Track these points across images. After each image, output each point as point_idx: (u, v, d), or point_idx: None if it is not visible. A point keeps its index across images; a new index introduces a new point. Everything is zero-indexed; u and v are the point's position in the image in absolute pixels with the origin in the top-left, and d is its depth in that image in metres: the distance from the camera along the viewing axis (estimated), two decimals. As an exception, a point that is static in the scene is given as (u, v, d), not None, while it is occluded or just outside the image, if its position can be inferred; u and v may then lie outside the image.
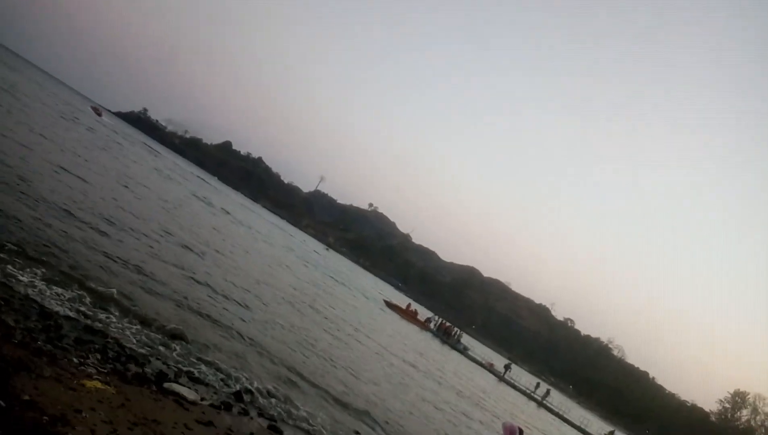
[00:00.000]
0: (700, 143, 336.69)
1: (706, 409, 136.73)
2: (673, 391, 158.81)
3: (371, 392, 14.63)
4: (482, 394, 31.21)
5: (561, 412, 51.85)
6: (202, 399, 8.11)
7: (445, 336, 58.69)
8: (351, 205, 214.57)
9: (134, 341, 8.91)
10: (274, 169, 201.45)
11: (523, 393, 52.64)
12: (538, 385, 57.28)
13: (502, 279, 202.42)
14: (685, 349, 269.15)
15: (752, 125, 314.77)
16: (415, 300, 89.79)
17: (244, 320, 14.17)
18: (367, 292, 59.25)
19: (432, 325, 60.13)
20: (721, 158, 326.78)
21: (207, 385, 8.91)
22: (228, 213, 49.17)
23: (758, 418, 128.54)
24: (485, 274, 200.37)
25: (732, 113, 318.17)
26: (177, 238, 20.14)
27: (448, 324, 63.49)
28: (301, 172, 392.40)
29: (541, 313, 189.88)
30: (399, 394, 16.64)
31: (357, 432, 10.83)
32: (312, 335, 17.49)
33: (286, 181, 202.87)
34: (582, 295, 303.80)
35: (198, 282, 15.25)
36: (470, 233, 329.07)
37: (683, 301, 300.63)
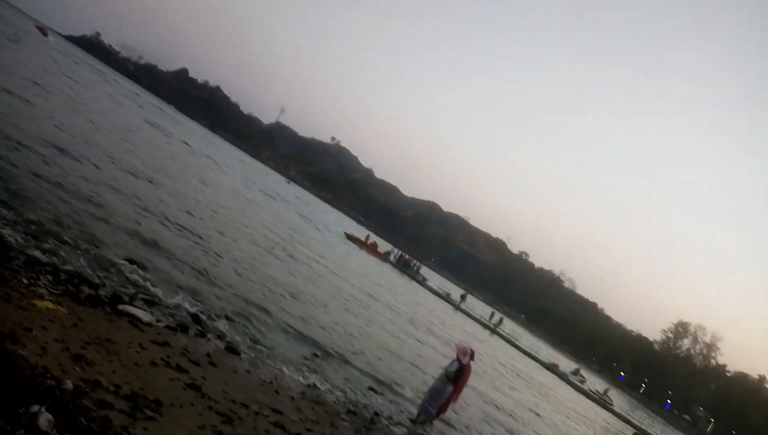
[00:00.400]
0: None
1: (651, 338, 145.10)
2: (619, 322, 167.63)
3: (329, 321, 14.96)
4: (438, 321, 32.27)
5: (513, 339, 54.23)
6: (158, 321, 8.17)
7: (404, 267, 59.83)
8: (313, 139, 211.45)
9: (86, 265, 8.81)
10: (233, 99, 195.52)
11: (478, 321, 54.63)
12: (492, 314, 59.63)
13: (462, 214, 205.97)
14: (634, 282, 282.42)
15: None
16: (377, 234, 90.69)
17: (203, 251, 14.13)
18: (328, 225, 59.52)
19: (392, 258, 61.10)
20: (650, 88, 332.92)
21: (163, 308, 8.94)
22: (186, 143, 47.94)
23: (698, 346, 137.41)
24: (445, 209, 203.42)
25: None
26: (130, 167, 19.63)
27: (407, 256, 64.60)
28: (261, 103, 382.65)
29: (497, 246, 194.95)
30: (354, 322, 17.07)
31: (316, 354, 11.13)
32: (270, 267, 17.60)
33: (245, 112, 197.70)
34: (538, 230, 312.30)
35: (152, 213, 15.00)
36: (432, 169, 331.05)
37: (635, 235, 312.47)
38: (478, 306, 68.13)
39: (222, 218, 20.93)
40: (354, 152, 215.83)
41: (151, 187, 18.61)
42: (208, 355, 7.75)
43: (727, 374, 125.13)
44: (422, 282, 58.84)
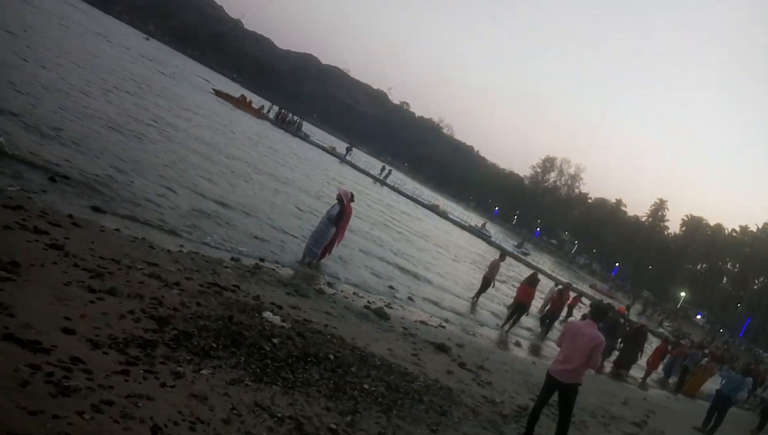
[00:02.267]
0: None
1: (521, 174, 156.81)
2: (494, 162, 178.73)
3: (205, 179, 14.46)
4: (328, 172, 32.50)
5: (397, 187, 56.33)
6: (10, 186, 7.38)
7: (284, 124, 58.47)
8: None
9: None
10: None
11: (366, 173, 55.70)
12: (383, 168, 60.66)
13: (341, 66, 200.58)
14: (507, 120, 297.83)
15: None
16: (252, 93, 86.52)
17: (61, 114, 12.70)
18: (197, 83, 55.67)
19: (270, 114, 59.22)
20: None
21: (14, 172, 8.07)
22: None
23: (563, 178, 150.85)
24: (323, 62, 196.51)
25: None
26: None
27: (285, 112, 62.88)
28: None
29: (378, 98, 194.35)
30: (235, 182, 16.69)
31: (194, 210, 10.80)
32: (127, 129, 16.35)
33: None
34: (418, 80, 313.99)
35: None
36: (308, 18, 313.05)
37: (507, 79, 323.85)
38: (362, 157, 69.00)
39: (70, 78, 18.78)
40: (219, 2, 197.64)
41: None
42: (70, 216, 7.22)
43: (589, 201, 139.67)
44: (305, 138, 58.16)
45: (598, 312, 6.65)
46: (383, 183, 55.38)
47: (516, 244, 63.86)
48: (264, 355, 5.27)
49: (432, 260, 21.52)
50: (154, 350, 4.44)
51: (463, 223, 57.67)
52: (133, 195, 9.88)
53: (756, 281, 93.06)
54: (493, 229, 66.04)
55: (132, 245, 7.21)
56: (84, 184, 9.15)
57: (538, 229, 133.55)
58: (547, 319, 17.01)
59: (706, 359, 20.99)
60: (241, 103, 52.99)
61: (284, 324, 6.42)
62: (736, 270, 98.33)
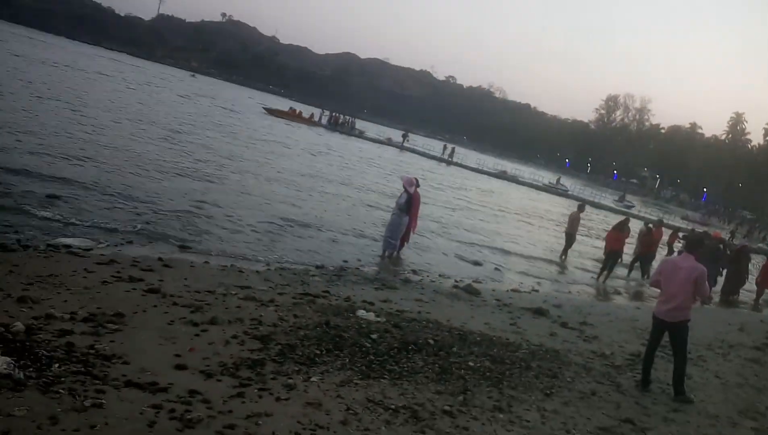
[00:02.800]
0: None
1: (586, 120, 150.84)
2: (553, 114, 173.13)
3: (271, 198, 14.87)
4: (390, 164, 32.64)
5: (462, 162, 55.66)
6: (99, 243, 7.92)
7: (339, 127, 59.11)
8: (203, 21, 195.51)
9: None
10: (105, 5, 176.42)
11: (428, 156, 55.24)
12: (444, 147, 59.95)
13: (380, 56, 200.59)
14: (558, 69, 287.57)
15: None
16: (302, 102, 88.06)
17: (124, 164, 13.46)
18: (246, 106, 57.21)
19: (323, 120, 60.01)
20: None
21: (100, 231, 8.63)
22: (69, 66, 43.78)
23: (630, 114, 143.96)
24: (363, 57, 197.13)
25: None
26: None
27: (337, 114, 63.51)
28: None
29: (423, 78, 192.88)
30: (299, 196, 17.05)
31: (270, 232, 11.15)
32: (198, 162, 17.05)
33: (122, 15, 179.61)
34: (459, 51, 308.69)
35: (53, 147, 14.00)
36: (341, 18, 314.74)
37: (551, 29, 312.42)
38: (420, 141, 68.66)
39: (137, 133, 19.81)
40: (251, 23, 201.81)
41: (64, 116, 17.21)
42: (160, 259, 7.64)
43: (662, 131, 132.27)
44: (360, 135, 58.54)
45: (692, 242, 6.37)
46: (450, 162, 54.77)
47: (617, 198, 60.31)
48: (366, 352, 5.40)
49: (512, 230, 21.19)
50: (263, 368, 4.65)
51: (536, 183, 56.28)
52: (213, 228, 10.32)
53: None
54: (568, 183, 64.09)
55: (223, 274, 7.54)
56: (168, 227, 9.64)
57: (614, 172, 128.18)
58: (639, 261, 16.21)
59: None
60: (292, 116, 54.02)
61: (379, 319, 6.54)
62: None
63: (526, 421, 4.75)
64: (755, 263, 19.94)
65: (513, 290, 10.75)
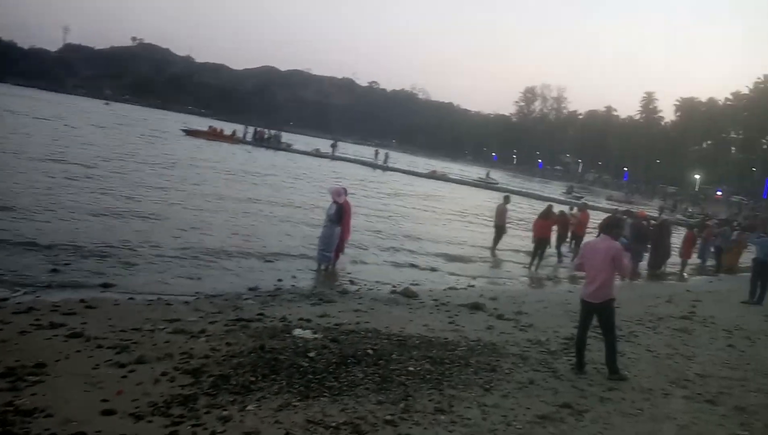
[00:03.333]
0: None
1: (507, 114, 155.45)
2: (476, 110, 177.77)
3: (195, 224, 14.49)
4: (322, 175, 32.43)
5: (393, 166, 56.06)
6: (15, 291, 7.45)
7: (264, 142, 58.29)
8: (113, 47, 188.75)
9: None
10: (5, 38, 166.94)
11: (362, 163, 55.02)
12: (377, 153, 60.04)
13: (302, 67, 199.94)
14: (477, 66, 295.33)
15: None
16: (227, 120, 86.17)
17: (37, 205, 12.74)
18: (165, 129, 55.53)
19: (248, 136, 58.99)
20: None
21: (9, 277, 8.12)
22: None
23: (548, 104, 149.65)
24: (283, 69, 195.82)
25: None
26: None
27: (261, 129, 62.56)
28: (39, 30, 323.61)
29: (347, 86, 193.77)
30: (229, 218, 16.70)
31: (195, 257, 10.85)
32: (106, 193, 16.38)
33: (26, 48, 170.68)
34: (379, 56, 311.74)
35: None
36: (256, 32, 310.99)
37: (466, 27, 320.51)
38: (350, 149, 68.69)
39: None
40: (163, 45, 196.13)
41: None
42: (82, 300, 7.26)
43: (580, 117, 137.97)
44: (288, 148, 57.89)
45: (609, 225, 6.63)
46: (386, 168, 54.77)
47: (565, 190, 62.02)
48: (304, 371, 5.32)
49: (447, 229, 21.46)
50: (196, 403, 4.49)
51: (465, 179, 57.42)
52: (138, 262, 9.90)
53: (764, 141, 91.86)
54: (497, 175, 65.69)
55: (149, 309, 7.26)
56: (89, 267, 9.18)
57: (539, 160, 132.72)
58: (566, 243, 16.74)
59: (736, 233, 20.90)
60: (213, 135, 52.84)
61: (316, 335, 6.47)
62: (740, 137, 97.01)
63: (467, 419, 4.81)
64: (678, 235, 21.04)
65: (449, 289, 10.91)
